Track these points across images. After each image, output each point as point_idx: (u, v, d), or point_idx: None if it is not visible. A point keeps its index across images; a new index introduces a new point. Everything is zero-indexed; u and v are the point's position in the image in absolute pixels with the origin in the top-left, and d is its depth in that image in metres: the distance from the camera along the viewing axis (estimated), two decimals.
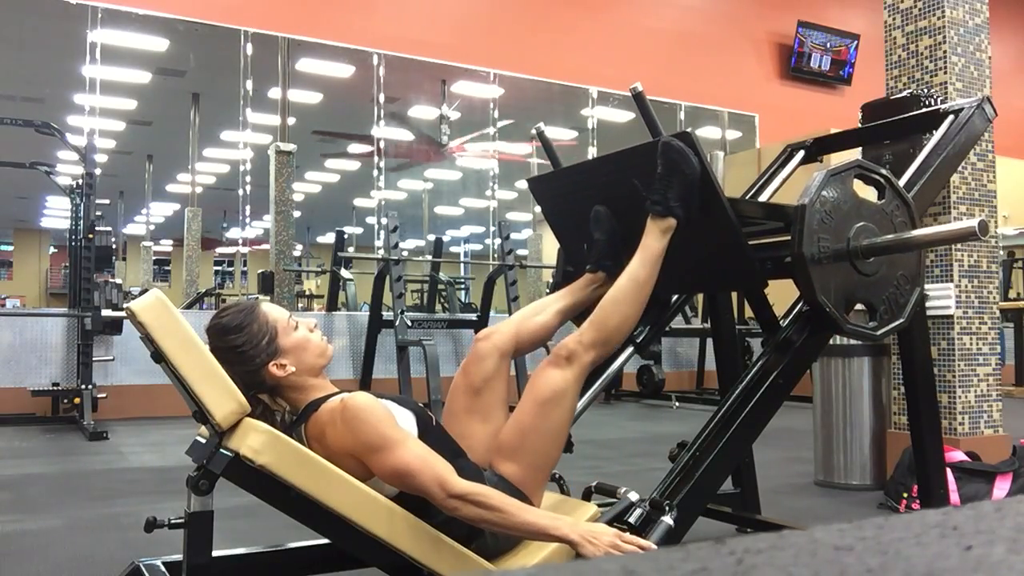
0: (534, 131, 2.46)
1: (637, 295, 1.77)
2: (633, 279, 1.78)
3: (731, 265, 1.97)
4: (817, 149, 2.74)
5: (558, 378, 1.69)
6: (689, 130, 1.83)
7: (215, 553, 1.60)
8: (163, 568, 1.68)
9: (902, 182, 2.03)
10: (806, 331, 1.92)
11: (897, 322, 1.87)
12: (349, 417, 1.55)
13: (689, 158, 1.78)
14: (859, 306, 1.89)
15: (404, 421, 1.65)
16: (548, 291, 7.23)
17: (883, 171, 1.88)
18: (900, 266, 1.88)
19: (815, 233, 1.73)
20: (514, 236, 6.87)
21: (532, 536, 1.55)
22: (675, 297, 2.46)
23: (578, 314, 2.04)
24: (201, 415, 1.52)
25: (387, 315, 6.28)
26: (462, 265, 12.85)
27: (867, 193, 1.91)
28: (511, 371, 6.01)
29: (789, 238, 1.76)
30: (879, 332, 1.86)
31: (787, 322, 1.99)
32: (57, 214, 15.67)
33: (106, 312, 5.44)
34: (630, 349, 2.28)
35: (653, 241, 1.80)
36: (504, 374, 1.89)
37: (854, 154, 3.11)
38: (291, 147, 7.35)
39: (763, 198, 2.67)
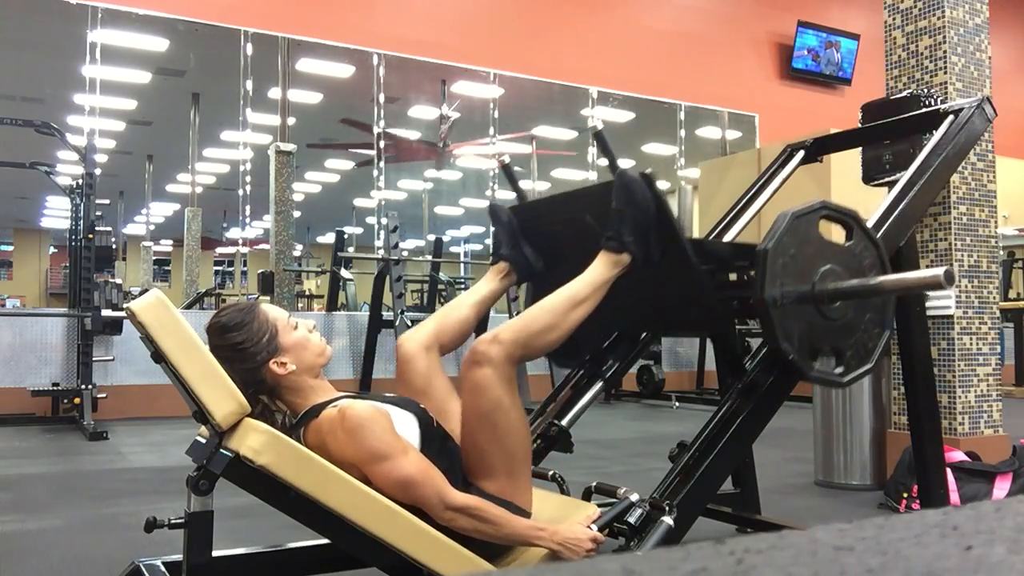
0: (499, 163, 2.45)
1: (566, 309, 1.69)
2: (568, 293, 1.71)
3: (695, 307, 1.91)
4: (817, 149, 2.74)
5: (480, 381, 1.61)
6: (649, 171, 1.77)
7: (215, 553, 1.60)
8: (163, 568, 1.69)
9: (870, 222, 1.96)
10: (772, 374, 1.85)
11: (864, 367, 1.81)
12: (349, 427, 1.54)
13: (644, 189, 1.73)
14: None
15: (405, 424, 1.65)
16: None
17: (850, 211, 1.82)
18: (868, 308, 1.81)
19: (778, 277, 1.67)
20: None
21: (518, 544, 1.63)
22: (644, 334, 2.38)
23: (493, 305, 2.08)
24: (201, 415, 1.52)
25: (387, 315, 6.27)
26: (462, 265, 12.82)
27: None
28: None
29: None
30: (846, 379, 1.80)
31: (753, 364, 1.92)
32: (57, 214, 15.65)
33: (106, 312, 5.44)
34: (600, 384, 2.24)
35: (601, 268, 1.75)
36: (438, 367, 1.88)
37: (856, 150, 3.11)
38: (291, 147, 7.35)
39: (763, 199, 2.67)
